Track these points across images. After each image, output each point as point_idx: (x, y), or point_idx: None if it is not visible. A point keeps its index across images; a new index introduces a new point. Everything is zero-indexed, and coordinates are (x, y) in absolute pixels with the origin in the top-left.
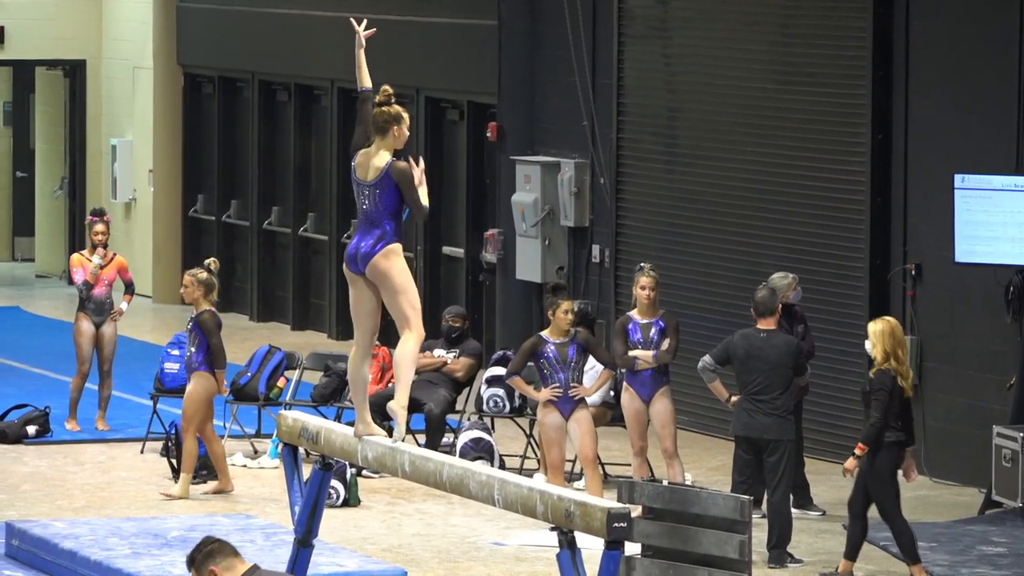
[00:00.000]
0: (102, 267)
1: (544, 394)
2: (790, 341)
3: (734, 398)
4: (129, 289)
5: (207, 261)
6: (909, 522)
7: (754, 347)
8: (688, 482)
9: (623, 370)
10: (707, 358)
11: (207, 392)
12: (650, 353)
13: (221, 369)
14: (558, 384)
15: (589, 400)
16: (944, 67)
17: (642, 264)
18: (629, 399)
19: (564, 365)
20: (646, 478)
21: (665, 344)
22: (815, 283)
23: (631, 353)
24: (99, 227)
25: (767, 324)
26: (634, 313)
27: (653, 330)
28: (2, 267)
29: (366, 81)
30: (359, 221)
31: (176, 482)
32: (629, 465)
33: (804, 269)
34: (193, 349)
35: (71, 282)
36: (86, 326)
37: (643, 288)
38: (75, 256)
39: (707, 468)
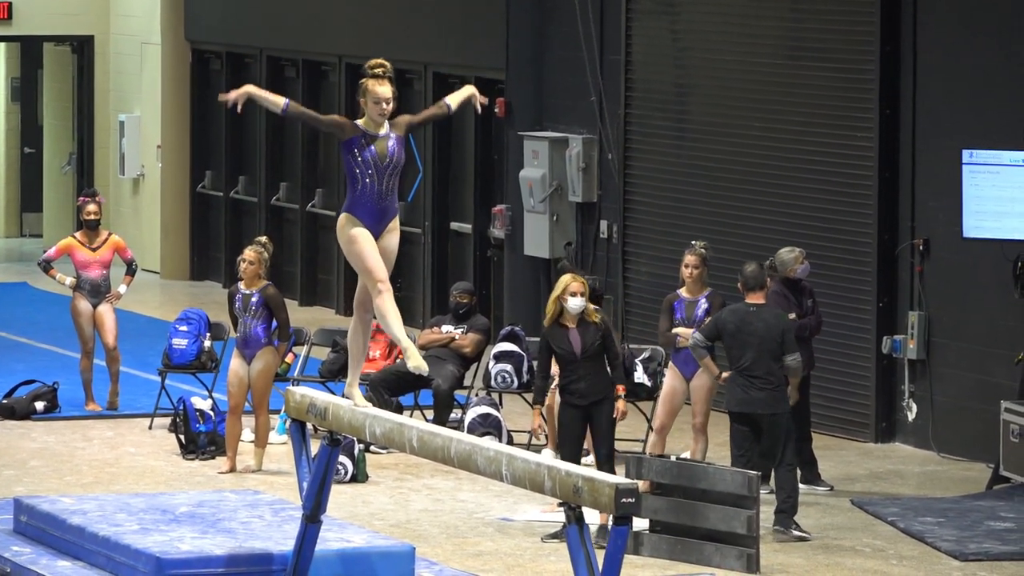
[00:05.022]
0: (95, 250)
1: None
2: (779, 314)
3: (725, 374)
4: (130, 269)
5: (262, 239)
6: (914, 497)
7: (744, 321)
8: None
9: (668, 348)
10: (697, 334)
11: (275, 367)
12: (690, 331)
13: (286, 341)
14: None
15: None
16: (952, 42)
17: (694, 241)
18: (671, 376)
19: None
20: (654, 455)
21: (707, 322)
22: (823, 258)
23: (673, 330)
24: (91, 207)
25: (756, 298)
26: (682, 291)
27: (698, 308)
28: (10, 243)
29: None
30: None
31: (180, 457)
32: (638, 441)
33: (812, 244)
34: (258, 324)
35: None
36: (83, 306)
37: (687, 266)
38: (69, 240)
39: (715, 443)
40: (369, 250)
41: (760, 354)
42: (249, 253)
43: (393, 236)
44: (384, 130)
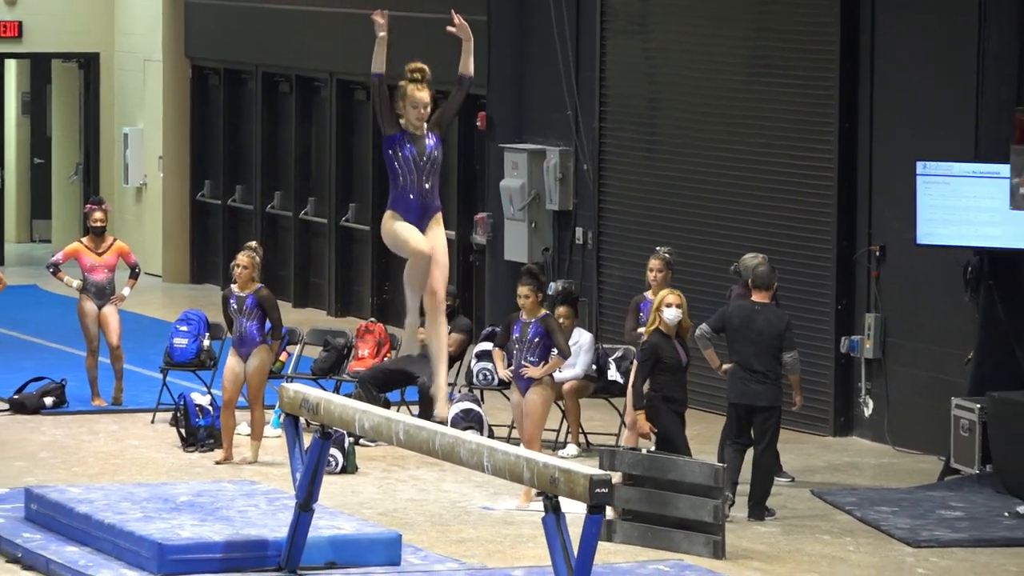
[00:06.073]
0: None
1: (503, 373)
2: (782, 315)
3: (725, 366)
4: (133, 273)
5: (252, 244)
6: (871, 487)
7: (748, 318)
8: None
9: (634, 347)
10: (704, 326)
11: (270, 364)
12: None
13: (280, 340)
14: (513, 363)
15: (571, 374)
16: (907, 60)
17: (658, 247)
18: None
19: (523, 344)
20: (627, 448)
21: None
22: (786, 264)
23: (638, 330)
24: (97, 214)
25: (762, 297)
26: (648, 293)
27: None
28: (21, 248)
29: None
30: None
31: (181, 449)
32: (611, 435)
33: (776, 251)
34: (252, 324)
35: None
36: (89, 307)
37: (651, 270)
38: (76, 245)
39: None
40: (412, 232)
41: (762, 351)
42: (242, 258)
43: (438, 234)
44: (423, 131)
